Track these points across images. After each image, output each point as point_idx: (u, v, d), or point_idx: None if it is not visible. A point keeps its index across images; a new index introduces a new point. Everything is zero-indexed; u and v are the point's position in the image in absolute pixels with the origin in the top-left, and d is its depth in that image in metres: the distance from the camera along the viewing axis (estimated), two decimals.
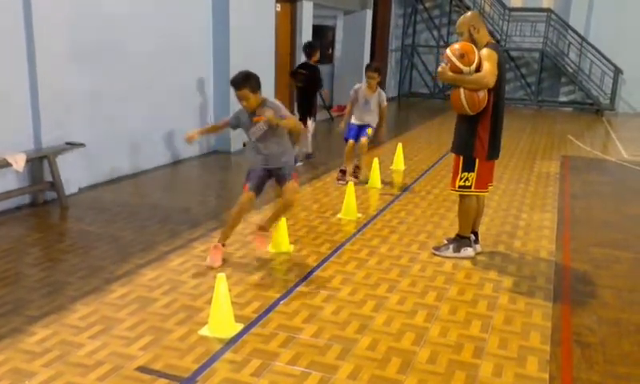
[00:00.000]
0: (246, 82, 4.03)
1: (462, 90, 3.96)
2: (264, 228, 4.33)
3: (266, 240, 4.35)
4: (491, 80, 3.91)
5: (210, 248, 4.20)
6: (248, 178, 4.22)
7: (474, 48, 3.98)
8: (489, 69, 3.91)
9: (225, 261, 4.20)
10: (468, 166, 4.19)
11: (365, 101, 6.49)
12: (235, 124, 4.31)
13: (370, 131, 6.53)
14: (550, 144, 9.92)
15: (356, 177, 6.61)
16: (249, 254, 4.35)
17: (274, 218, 4.33)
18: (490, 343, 3.16)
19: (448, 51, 4.01)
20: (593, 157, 8.96)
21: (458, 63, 3.93)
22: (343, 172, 6.61)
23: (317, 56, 7.75)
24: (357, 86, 6.58)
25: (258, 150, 4.23)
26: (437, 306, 3.60)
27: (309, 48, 7.76)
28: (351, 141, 6.54)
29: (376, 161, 6.61)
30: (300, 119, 7.36)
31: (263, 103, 4.13)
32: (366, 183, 6.52)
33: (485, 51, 4.00)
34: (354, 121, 6.65)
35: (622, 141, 10.61)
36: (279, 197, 4.45)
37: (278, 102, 4.23)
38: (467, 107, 3.98)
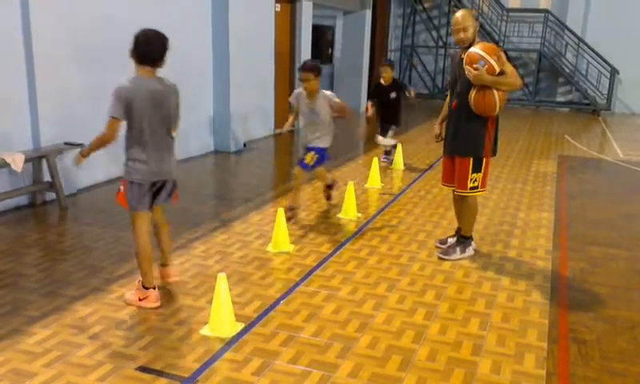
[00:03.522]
0: None
1: (495, 92, 3.85)
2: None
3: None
4: (520, 80, 3.93)
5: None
6: None
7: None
8: (512, 69, 3.87)
9: (225, 261, 4.22)
10: (477, 167, 4.14)
11: (309, 110, 4.99)
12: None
13: (311, 158, 5.00)
14: (547, 144, 9.95)
15: (328, 198, 5.65)
16: (249, 254, 4.36)
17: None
18: (489, 341, 3.18)
19: (481, 52, 3.81)
20: (589, 156, 8.99)
21: (496, 65, 3.79)
22: (291, 209, 5.14)
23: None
24: (297, 90, 5.12)
25: None
26: (436, 304, 3.63)
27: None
28: (297, 168, 5.10)
29: (375, 160, 6.63)
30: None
31: None
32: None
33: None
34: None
35: (618, 141, 10.65)
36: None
37: None
38: (498, 109, 3.92)
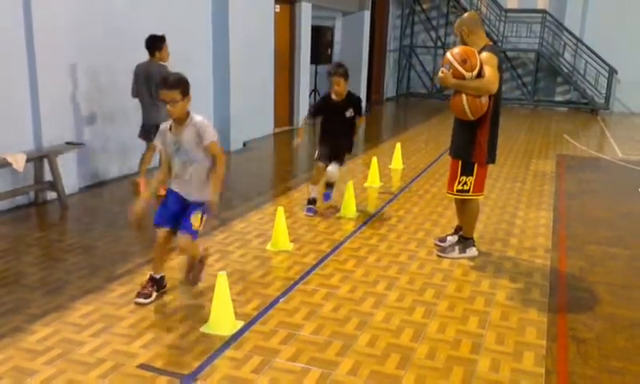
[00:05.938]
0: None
1: (464, 96, 3.85)
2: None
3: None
4: (495, 86, 3.83)
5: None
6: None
7: (475, 52, 3.89)
8: (492, 74, 3.82)
9: (225, 259, 4.23)
10: (467, 170, 4.15)
11: (176, 147, 3.41)
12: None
13: (199, 220, 3.44)
14: (545, 143, 9.97)
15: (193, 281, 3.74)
16: (249, 253, 4.38)
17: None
18: (488, 339, 3.20)
19: (449, 56, 3.88)
20: (588, 156, 9.02)
21: (460, 69, 3.81)
22: (153, 281, 3.59)
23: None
24: (162, 125, 3.49)
25: None
26: (435, 302, 3.64)
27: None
28: (162, 230, 3.51)
29: (374, 160, 6.64)
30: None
31: None
32: None
33: (485, 55, 3.91)
34: (174, 186, 3.54)
35: (617, 140, 10.67)
36: None
37: None
38: (470, 113, 3.89)
